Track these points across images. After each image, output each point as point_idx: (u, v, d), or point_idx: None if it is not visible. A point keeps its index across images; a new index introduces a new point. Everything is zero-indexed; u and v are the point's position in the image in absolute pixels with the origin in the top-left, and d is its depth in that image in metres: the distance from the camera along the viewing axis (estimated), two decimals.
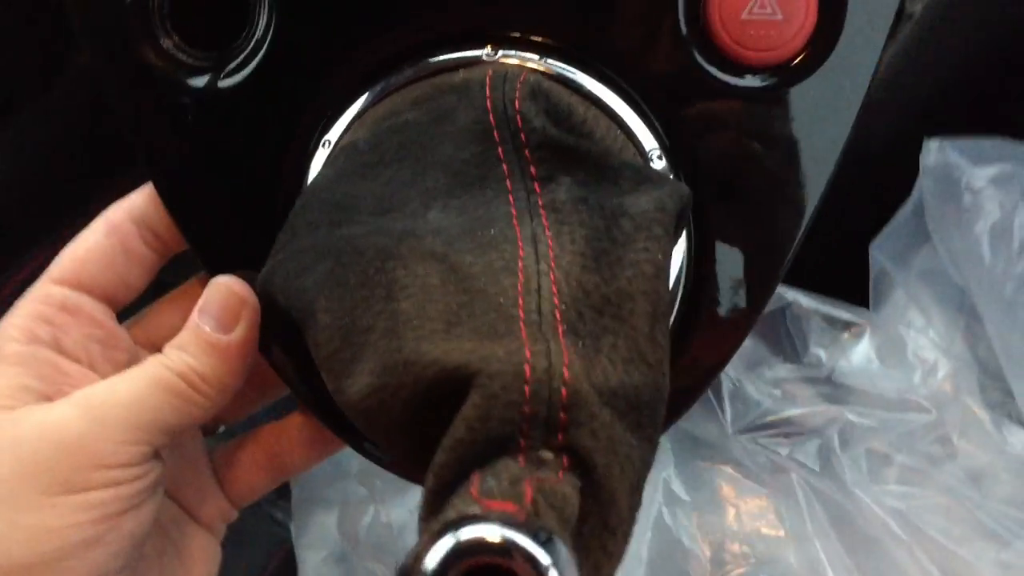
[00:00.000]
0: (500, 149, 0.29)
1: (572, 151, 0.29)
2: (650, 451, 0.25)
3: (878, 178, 0.52)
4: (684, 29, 0.32)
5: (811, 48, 0.31)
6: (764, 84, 0.31)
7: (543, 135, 0.29)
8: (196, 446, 0.36)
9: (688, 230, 0.32)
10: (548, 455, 0.22)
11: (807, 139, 0.32)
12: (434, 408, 0.24)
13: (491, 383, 0.23)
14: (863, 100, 0.32)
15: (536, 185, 0.28)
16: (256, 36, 0.33)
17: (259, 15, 0.33)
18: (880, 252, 0.49)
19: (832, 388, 0.46)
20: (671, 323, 0.32)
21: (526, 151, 0.29)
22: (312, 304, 0.27)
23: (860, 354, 0.47)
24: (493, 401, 0.22)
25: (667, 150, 0.32)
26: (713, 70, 0.32)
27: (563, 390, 0.23)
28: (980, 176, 0.48)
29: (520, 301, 0.25)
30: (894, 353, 0.47)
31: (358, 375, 0.25)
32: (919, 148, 0.49)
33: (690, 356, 0.33)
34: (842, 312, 0.48)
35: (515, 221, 0.27)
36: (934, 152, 0.50)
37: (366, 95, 0.33)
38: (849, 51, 0.31)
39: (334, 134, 0.33)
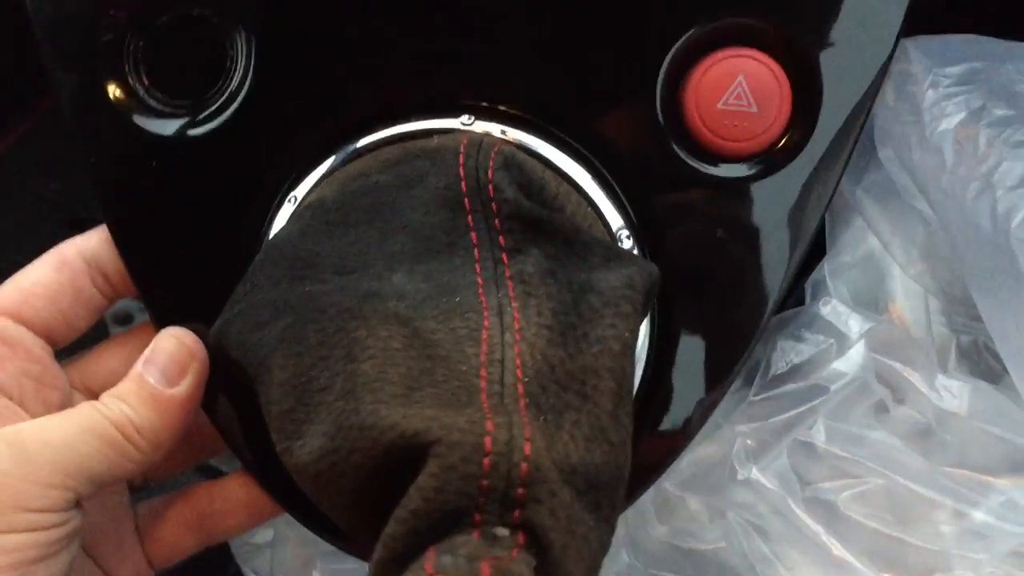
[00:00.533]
0: (470, 217, 0.29)
1: (542, 224, 0.29)
2: (608, 533, 0.25)
3: None
4: (660, 115, 0.32)
5: (785, 140, 0.31)
6: (737, 174, 0.32)
7: (514, 206, 0.28)
8: (120, 500, 0.35)
9: (652, 312, 0.32)
10: (503, 532, 0.22)
11: (777, 230, 0.32)
12: (388, 476, 0.24)
13: (450, 453, 0.22)
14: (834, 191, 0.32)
15: (504, 256, 0.28)
16: (231, 88, 0.32)
17: (236, 68, 0.32)
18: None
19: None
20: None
21: (496, 221, 0.28)
22: (268, 359, 0.26)
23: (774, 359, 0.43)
24: (451, 472, 0.22)
25: (635, 232, 0.32)
26: (687, 158, 0.31)
27: (523, 465, 0.22)
28: (946, 75, 0.47)
29: (483, 371, 0.25)
30: (805, 341, 0.43)
31: (310, 436, 0.25)
32: None
33: (647, 440, 0.33)
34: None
35: (481, 290, 0.27)
36: (898, 55, 0.48)
37: (337, 154, 0.33)
38: (823, 143, 0.31)
39: (301, 191, 0.32)
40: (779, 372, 0.42)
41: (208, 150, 0.33)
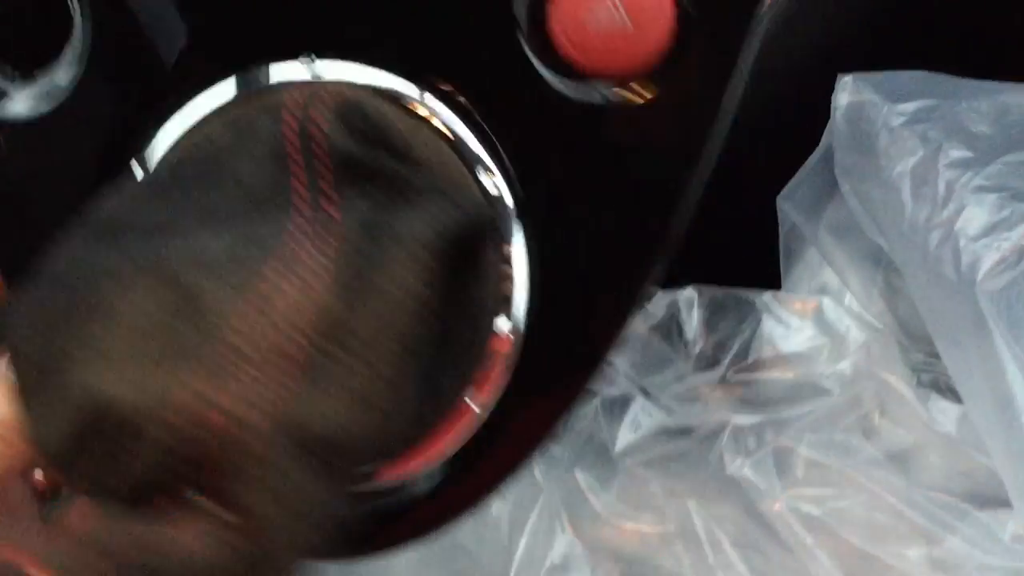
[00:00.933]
0: (296, 167, 0.28)
1: (374, 172, 0.28)
2: (332, 498, 0.24)
3: (789, 125, 0.48)
4: (524, 39, 0.29)
5: (667, 61, 0.27)
6: (611, 97, 0.28)
7: (344, 155, 0.28)
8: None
9: (530, 255, 0.30)
10: (203, 500, 0.23)
11: (655, 159, 0.29)
12: (96, 444, 0.24)
13: (159, 421, 0.23)
14: (719, 120, 0.30)
15: (325, 204, 0.27)
16: (69, 60, 0.31)
17: (73, 39, 0.31)
18: (789, 206, 0.45)
19: (725, 389, 0.42)
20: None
21: (322, 170, 0.28)
22: (15, 330, 0.26)
23: (760, 340, 0.43)
24: (156, 440, 0.23)
25: (504, 169, 0.30)
26: (555, 83, 0.29)
27: (238, 429, 0.22)
28: (899, 113, 0.44)
29: (243, 328, 0.24)
30: (799, 331, 0.43)
31: (40, 405, 0.25)
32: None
33: (529, 400, 0.31)
34: (736, 297, 0.44)
35: (283, 240, 0.26)
36: (847, 89, 0.45)
37: (182, 116, 0.32)
38: (703, 62, 0.27)
39: (150, 157, 0.32)
40: (765, 357, 0.41)
41: (50, 128, 0.32)
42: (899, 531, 0.38)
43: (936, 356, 0.41)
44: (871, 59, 0.45)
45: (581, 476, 0.41)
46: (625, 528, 0.41)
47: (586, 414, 0.42)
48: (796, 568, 0.38)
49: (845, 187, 0.43)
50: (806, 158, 0.45)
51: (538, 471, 0.41)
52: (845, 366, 0.41)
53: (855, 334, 0.41)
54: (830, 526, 0.38)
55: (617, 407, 0.41)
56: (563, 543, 0.41)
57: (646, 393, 0.42)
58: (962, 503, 0.39)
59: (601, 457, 0.42)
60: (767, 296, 0.43)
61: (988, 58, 0.48)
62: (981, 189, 0.40)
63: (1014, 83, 0.44)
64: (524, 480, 0.41)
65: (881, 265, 0.45)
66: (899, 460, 0.39)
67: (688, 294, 0.43)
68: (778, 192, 0.46)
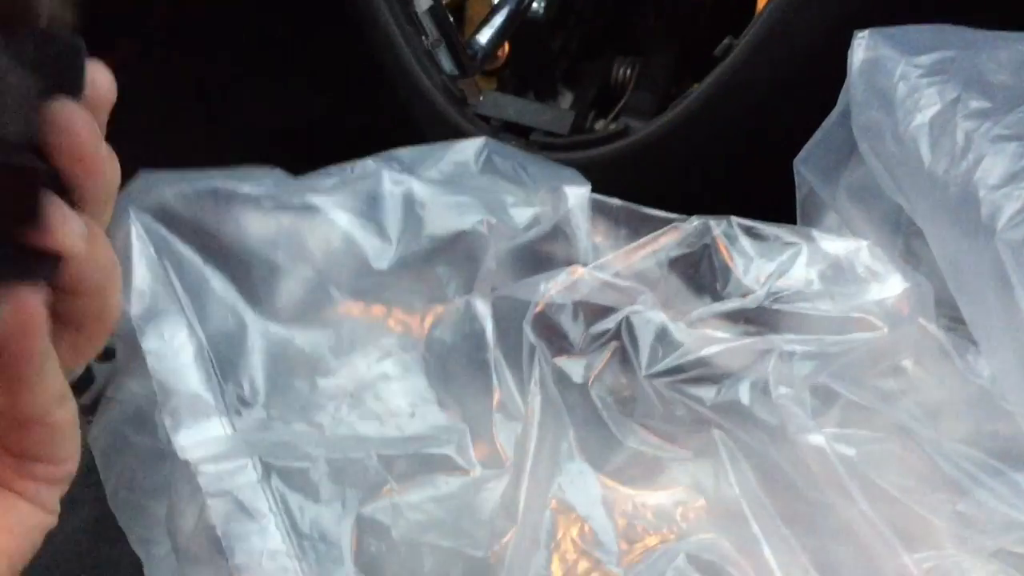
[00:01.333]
0: None
1: None
2: None
3: (806, 85, 0.47)
4: None
5: None
6: None
7: None
8: None
9: None
10: None
11: None
12: None
13: None
14: None
15: None
16: None
17: None
18: (806, 168, 0.44)
19: (765, 319, 0.41)
20: None
21: None
22: None
23: (797, 277, 0.41)
24: None
25: None
26: None
27: None
28: (916, 66, 0.43)
29: None
30: (839, 273, 0.41)
31: None
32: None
33: None
34: (774, 232, 0.42)
35: None
36: (863, 45, 0.44)
37: None
38: None
39: None
40: (805, 290, 0.40)
41: None
42: (932, 482, 0.37)
43: (959, 320, 0.40)
44: (888, 18, 0.44)
45: (598, 395, 0.41)
46: (643, 454, 0.40)
47: (609, 330, 0.41)
48: (822, 503, 0.36)
49: (863, 145, 0.42)
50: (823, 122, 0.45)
51: (553, 387, 0.41)
52: (887, 307, 0.40)
53: (896, 279, 0.40)
54: (863, 469, 0.36)
55: (645, 327, 0.40)
56: (572, 470, 0.40)
57: (678, 315, 0.41)
58: (995, 460, 0.37)
59: (625, 377, 0.41)
60: (808, 232, 0.42)
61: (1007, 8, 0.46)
62: (1000, 138, 0.39)
63: None
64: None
65: (901, 229, 0.44)
66: (933, 413, 0.38)
67: (724, 224, 0.42)
68: (794, 156, 0.46)
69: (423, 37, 0.58)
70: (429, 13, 0.57)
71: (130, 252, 0.34)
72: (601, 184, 0.43)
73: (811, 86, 0.46)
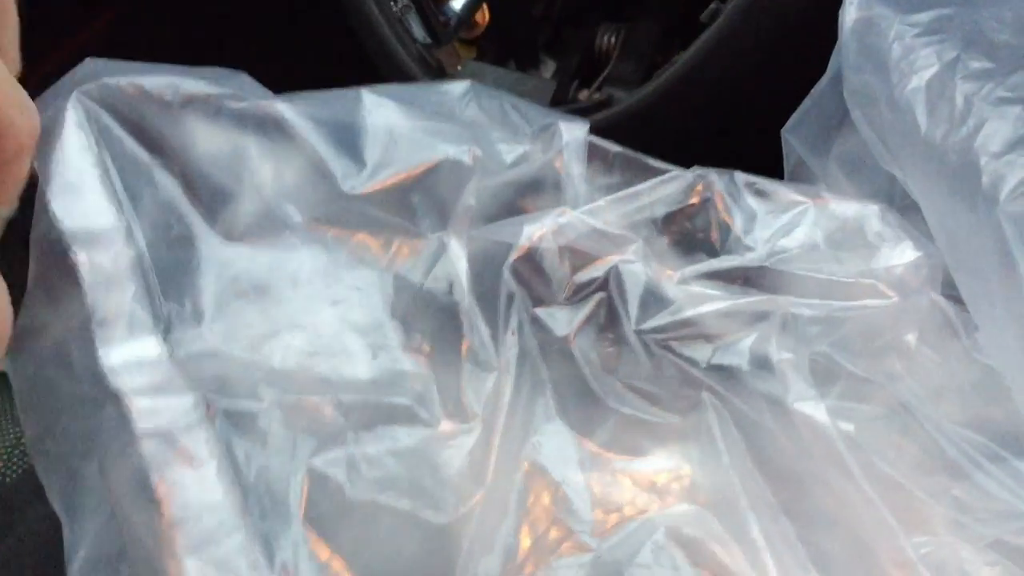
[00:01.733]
0: None
1: None
2: None
3: (796, 49, 0.44)
4: None
5: None
6: None
7: None
8: None
9: None
10: None
11: None
12: None
13: None
14: None
15: None
16: None
17: None
18: (795, 138, 0.41)
19: (765, 279, 0.38)
20: None
21: None
22: None
23: (802, 238, 0.38)
24: None
25: None
26: None
27: None
28: (912, 24, 0.40)
29: None
30: (848, 236, 0.39)
31: None
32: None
33: None
34: (779, 189, 0.40)
35: None
36: (855, 3, 0.41)
37: None
38: None
39: None
40: (815, 251, 0.37)
41: None
42: (932, 465, 0.35)
43: (956, 299, 0.37)
44: None
45: (581, 350, 0.38)
46: (626, 417, 0.37)
47: (596, 279, 0.38)
48: (817, 478, 0.34)
49: (855, 112, 0.39)
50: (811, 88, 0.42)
51: (531, 339, 0.37)
52: (897, 275, 0.37)
53: (908, 247, 0.38)
54: (861, 445, 0.34)
55: (635, 280, 0.37)
56: (548, 430, 0.37)
57: (672, 270, 0.38)
58: (998, 446, 0.35)
59: (611, 332, 0.38)
60: (816, 191, 0.39)
61: None
62: (1003, 101, 0.37)
63: None
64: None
65: (895, 202, 0.41)
66: (937, 392, 0.36)
67: (727, 178, 0.39)
68: (783, 124, 0.43)
69: (393, 2, 0.55)
70: None
71: (62, 136, 0.29)
72: None
73: (801, 50, 0.44)
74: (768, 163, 0.43)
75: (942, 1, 0.40)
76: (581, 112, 0.55)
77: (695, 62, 0.52)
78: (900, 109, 0.38)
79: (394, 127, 0.35)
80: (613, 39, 0.64)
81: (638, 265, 0.37)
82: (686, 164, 0.42)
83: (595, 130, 0.51)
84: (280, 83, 0.36)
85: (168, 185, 0.33)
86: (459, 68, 0.61)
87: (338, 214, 0.35)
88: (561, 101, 0.62)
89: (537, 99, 0.61)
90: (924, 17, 0.40)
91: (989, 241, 0.34)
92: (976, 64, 0.38)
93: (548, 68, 0.67)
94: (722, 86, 0.53)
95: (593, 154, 0.39)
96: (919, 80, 0.39)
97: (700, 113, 0.54)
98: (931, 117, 0.38)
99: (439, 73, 0.59)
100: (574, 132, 0.38)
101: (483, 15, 0.64)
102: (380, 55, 0.57)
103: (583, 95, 0.63)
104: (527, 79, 0.61)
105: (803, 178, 0.43)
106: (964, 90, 0.37)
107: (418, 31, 0.55)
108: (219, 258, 0.33)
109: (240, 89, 0.34)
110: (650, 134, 0.55)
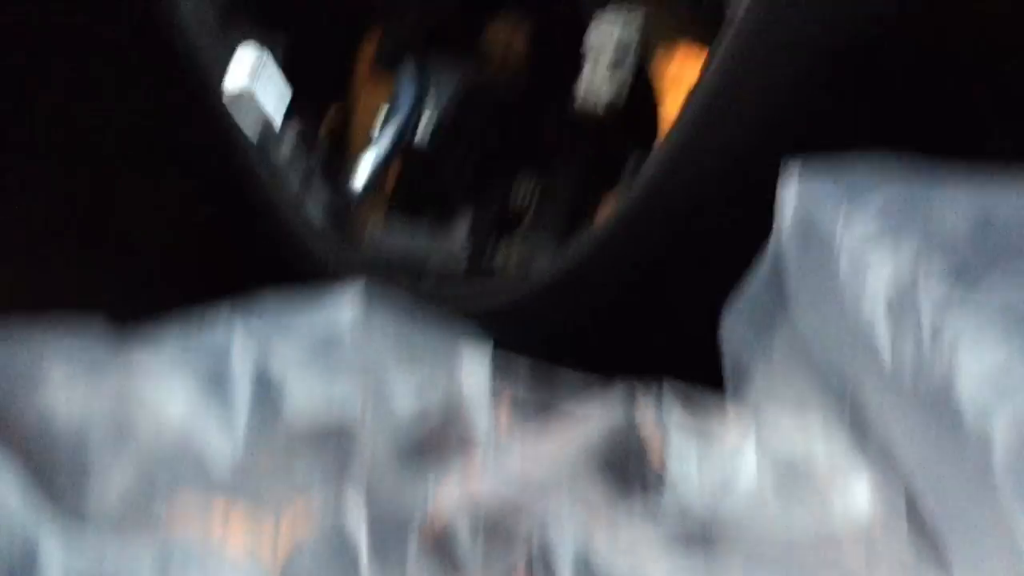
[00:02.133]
0: None
1: None
2: None
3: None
4: None
5: None
6: None
7: None
8: None
9: None
10: None
11: None
12: None
13: None
14: None
15: None
16: None
17: None
18: (733, 328, 0.37)
19: (711, 543, 0.34)
20: None
21: None
22: None
23: (747, 491, 0.35)
24: None
25: None
26: None
27: None
28: (861, 209, 0.35)
29: None
30: (795, 479, 0.35)
31: None
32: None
33: None
34: (714, 424, 0.36)
35: None
36: (795, 183, 0.36)
37: None
38: None
39: None
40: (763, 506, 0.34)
41: None
42: None
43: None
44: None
45: None
46: None
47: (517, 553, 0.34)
48: None
49: (801, 323, 0.34)
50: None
51: None
52: (856, 521, 0.34)
53: (862, 485, 0.35)
54: None
55: (563, 550, 0.33)
56: None
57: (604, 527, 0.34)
58: None
59: None
60: (753, 418, 0.37)
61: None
62: (976, 318, 0.31)
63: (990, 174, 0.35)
64: None
65: (847, 396, 0.36)
66: None
67: (654, 406, 0.37)
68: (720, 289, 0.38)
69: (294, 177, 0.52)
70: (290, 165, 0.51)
71: None
72: (504, 333, 0.39)
73: (732, 206, 0.43)
74: (705, 338, 0.39)
75: (889, 182, 0.36)
76: (498, 289, 0.50)
77: (608, 234, 0.48)
78: (856, 326, 0.33)
79: (272, 383, 0.33)
80: (531, 190, 0.60)
81: (565, 529, 0.33)
82: (615, 341, 0.38)
83: (515, 305, 0.48)
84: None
85: (7, 480, 0.30)
86: (364, 234, 0.57)
87: (211, 491, 0.32)
88: (478, 263, 0.58)
89: (451, 265, 0.57)
90: (873, 204, 0.36)
91: (982, 504, 0.28)
92: (938, 266, 0.33)
93: (464, 222, 0.63)
94: (640, 257, 0.49)
95: (502, 376, 0.37)
96: (876, 284, 0.34)
97: (621, 286, 0.50)
98: (895, 335, 0.32)
99: (342, 243, 0.54)
100: (475, 366, 0.36)
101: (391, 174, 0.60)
102: (279, 235, 0.53)
103: (499, 258, 0.58)
104: (438, 245, 0.56)
105: (742, 371, 0.39)
106: (929, 302, 0.32)
107: (315, 213, 0.51)
108: (72, 560, 0.30)
109: (96, 350, 0.33)
110: (573, 307, 0.51)
